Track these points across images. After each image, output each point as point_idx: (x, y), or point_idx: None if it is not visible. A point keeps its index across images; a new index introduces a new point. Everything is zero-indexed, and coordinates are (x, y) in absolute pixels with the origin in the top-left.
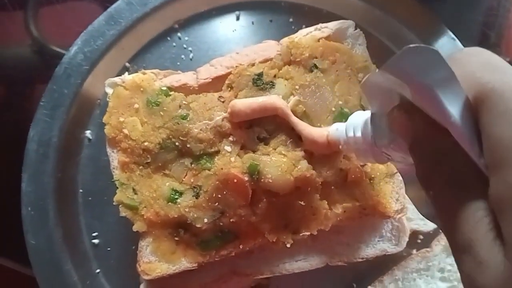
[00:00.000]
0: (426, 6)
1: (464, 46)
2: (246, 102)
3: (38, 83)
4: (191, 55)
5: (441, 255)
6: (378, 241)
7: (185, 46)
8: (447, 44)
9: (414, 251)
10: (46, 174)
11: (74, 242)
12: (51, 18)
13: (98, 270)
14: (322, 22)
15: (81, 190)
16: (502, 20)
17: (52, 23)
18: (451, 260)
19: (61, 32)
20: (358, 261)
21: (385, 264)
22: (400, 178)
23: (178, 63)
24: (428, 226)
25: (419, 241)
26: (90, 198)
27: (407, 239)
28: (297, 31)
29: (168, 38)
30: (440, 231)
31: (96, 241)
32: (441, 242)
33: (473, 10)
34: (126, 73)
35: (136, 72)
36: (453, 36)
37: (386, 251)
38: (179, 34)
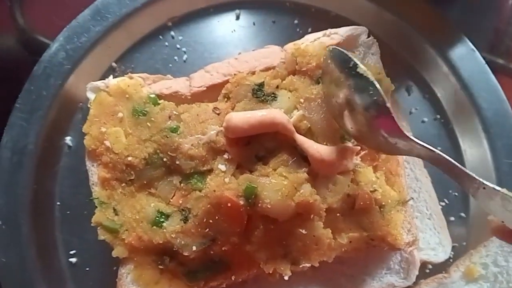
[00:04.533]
0: (440, 11)
1: (480, 53)
2: (244, 116)
3: (19, 80)
4: (184, 57)
5: (459, 283)
6: (385, 273)
7: (178, 46)
8: (465, 55)
9: (422, 281)
10: (20, 185)
11: (49, 260)
12: (40, 6)
13: None
14: (330, 25)
15: (58, 203)
16: None
17: (41, 12)
18: None
19: (49, 22)
20: None
21: None
22: (412, 204)
23: (170, 65)
24: (439, 257)
25: (427, 271)
26: (68, 212)
27: (417, 272)
28: (302, 35)
29: (160, 37)
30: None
31: (73, 259)
32: (460, 268)
33: (489, 16)
34: (111, 76)
35: (124, 73)
36: (472, 46)
37: (394, 285)
38: (172, 33)
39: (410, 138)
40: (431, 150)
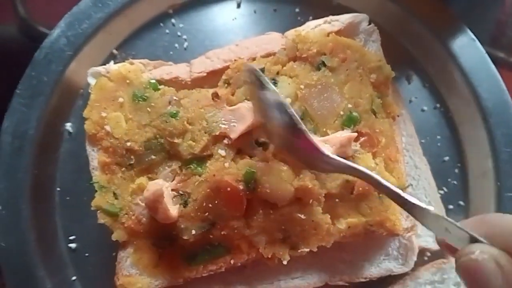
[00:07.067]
0: (443, 1)
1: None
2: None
3: (19, 67)
4: (185, 44)
5: None
6: (384, 259)
7: (179, 33)
8: (466, 45)
9: (421, 268)
10: (21, 170)
11: (49, 245)
12: None
13: (74, 278)
14: (331, 14)
15: (58, 189)
16: None
17: (41, 1)
18: None
19: (50, 11)
20: (360, 281)
21: (386, 283)
22: (410, 192)
23: (171, 52)
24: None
25: (426, 258)
26: (68, 198)
27: (415, 259)
28: (303, 23)
29: (161, 24)
30: None
31: (73, 245)
32: None
33: (492, 8)
34: (112, 62)
35: (124, 60)
36: (473, 36)
37: (392, 270)
38: (173, 20)
39: (331, 157)
40: (365, 173)
